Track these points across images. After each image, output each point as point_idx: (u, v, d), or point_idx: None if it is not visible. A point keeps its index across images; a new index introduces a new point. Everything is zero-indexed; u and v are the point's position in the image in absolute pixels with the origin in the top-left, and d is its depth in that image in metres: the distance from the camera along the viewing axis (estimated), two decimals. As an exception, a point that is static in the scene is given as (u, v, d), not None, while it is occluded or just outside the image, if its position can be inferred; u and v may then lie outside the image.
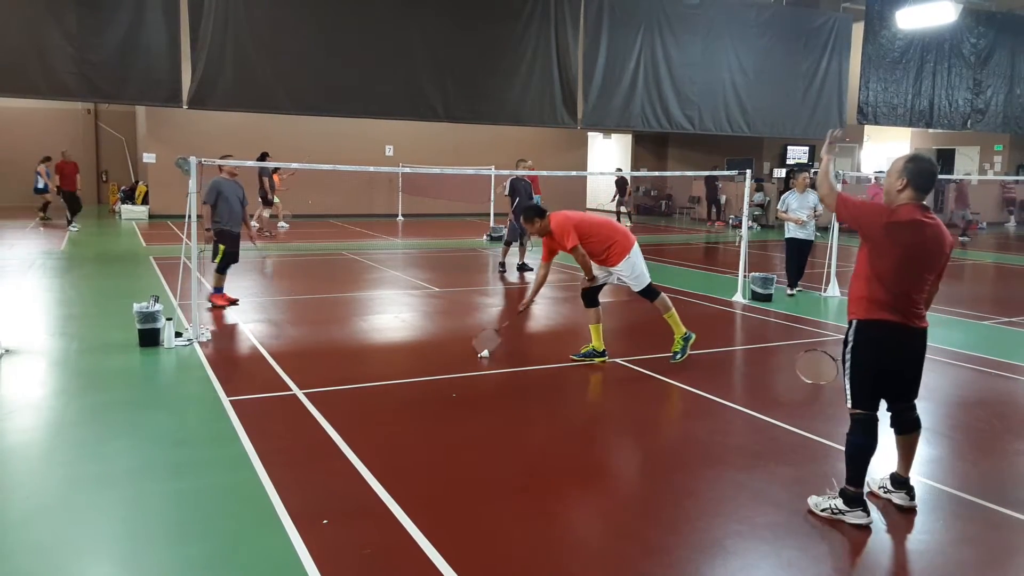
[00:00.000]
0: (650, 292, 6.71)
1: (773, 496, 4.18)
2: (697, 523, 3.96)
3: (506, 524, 3.88)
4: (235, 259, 9.15)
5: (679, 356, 6.77)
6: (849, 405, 3.88)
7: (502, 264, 12.58)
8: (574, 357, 6.95)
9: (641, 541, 3.74)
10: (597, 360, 6.88)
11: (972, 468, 4.77)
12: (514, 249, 12.59)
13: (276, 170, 17.06)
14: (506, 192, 12.68)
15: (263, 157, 15.62)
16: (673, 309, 6.74)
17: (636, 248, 6.69)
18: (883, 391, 3.90)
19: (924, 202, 3.81)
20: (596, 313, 6.86)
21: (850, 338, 3.87)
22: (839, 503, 3.87)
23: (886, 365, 3.84)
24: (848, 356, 3.87)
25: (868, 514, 3.83)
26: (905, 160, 3.81)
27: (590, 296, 6.85)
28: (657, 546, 3.69)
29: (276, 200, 17.71)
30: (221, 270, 9.06)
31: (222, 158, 8.58)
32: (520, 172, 12.26)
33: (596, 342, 6.91)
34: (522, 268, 12.55)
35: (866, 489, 4.06)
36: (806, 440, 5.09)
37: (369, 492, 4.14)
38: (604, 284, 6.93)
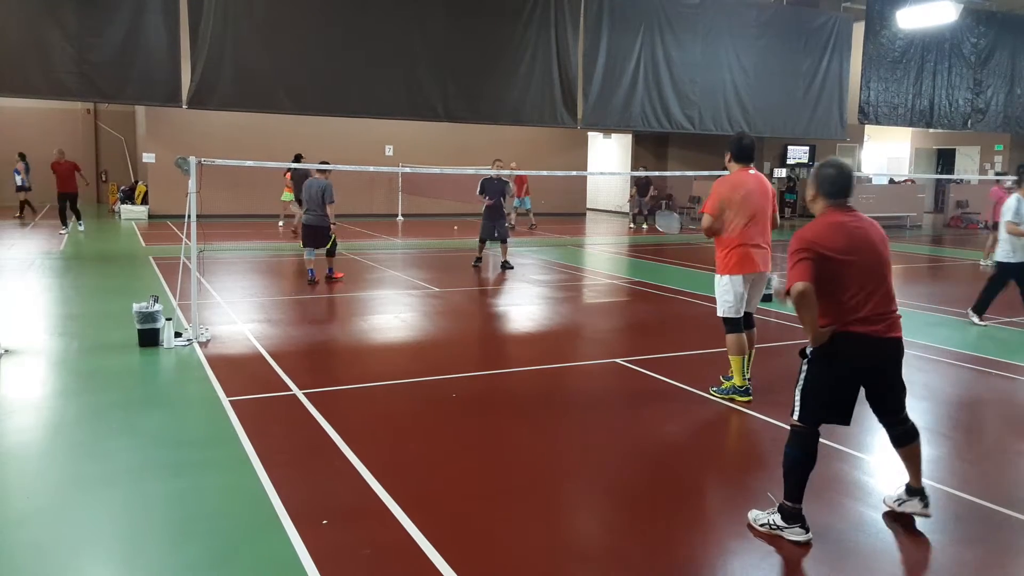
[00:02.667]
0: (724, 322, 5.87)
1: (773, 496, 4.17)
2: (697, 523, 3.96)
3: (505, 524, 3.88)
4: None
5: (716, 391, 5.98)
6: (795, 418, 3.73)
7: (504, 263, 12.71)
8: (713, 392, 6.00)
9: (641, 541, 3.74)
10: (741, 399, 5.80)
11: (972, 468, 4.77)
12: (497, 247, 12.91)
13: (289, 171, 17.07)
14: (478, 191, 12.89)
15: (298, 158, 15.73)
16: (740, 357, 5.79)
17: (737, 278, 5.71)
18: (841, 409, 3.73)
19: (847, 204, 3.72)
20: (740, 340, 5.78)
21: (807, 351, 3.72)
22: (777, 519, 3.73)
23: (845, 380, 3.69)
24: (804, 367, 3.74)
25: (807, 531, 3.67)
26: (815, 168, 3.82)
27: (734, 321, 5.79)
28: (657, 546, 3.69)
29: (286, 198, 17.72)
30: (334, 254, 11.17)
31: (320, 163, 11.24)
32: (494, 172, 12.62)
33: (737, 377, 5.86)
34: (488, 267, 12.88)
35: (883, 508, 4.00)
36: (806, 440, 5.08)
37: (369, 492, 4.13)
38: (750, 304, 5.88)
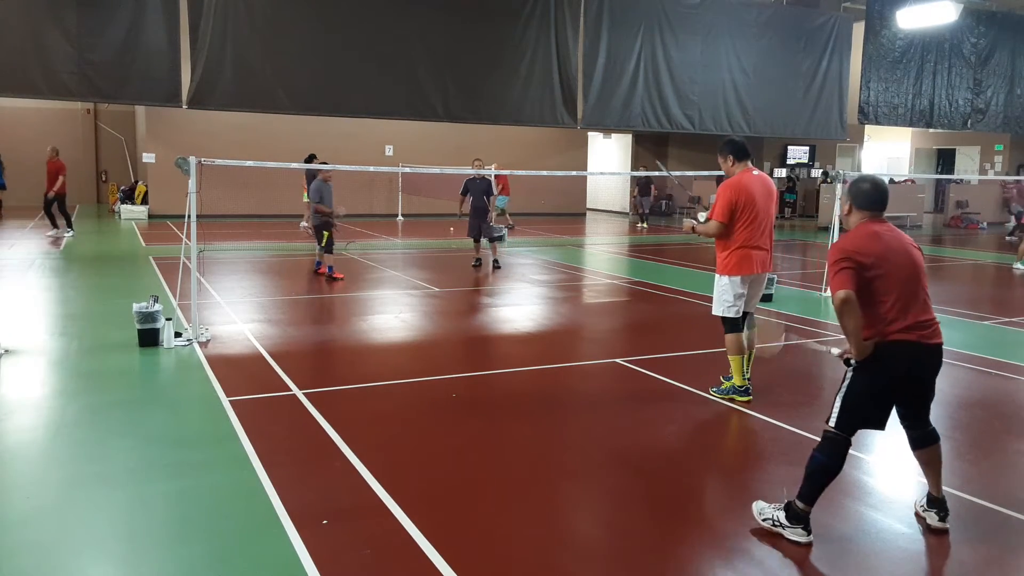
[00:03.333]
0: (723, 322, 5.87)
1: (773, 496, 4.17)
2: (697, 523, 3.96)
3: (506, 524, 3.88)
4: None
5: (715, 391, 5.99)
6: (831, 424, 3.71)
7: (494, 261, 12.91)
8: (713, 392, 6.02)
9: (641, 541, 3.74)
10: (740, 399, 5.83)
11: (972, 468, 4.77)
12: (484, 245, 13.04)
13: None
14: (461, 191, 12.98)
15: (311, 159, 15.76)
16: (739, 356, 5.78)
17: (736, 279, 5.72)
18: (879, 416, 3.75)
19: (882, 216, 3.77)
20: (739, 340, 5.77)
21: (852, 359, 3.70)
22: (781, 516, 3.72)
23: (888, 388, 3.70)
24: (849, 375, 3.72)
25: (809, 533, 3.67)
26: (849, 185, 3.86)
27: (733, 321, 5.78)
28: (657, 546, 3.69)
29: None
30: (331, 251, 11.46)
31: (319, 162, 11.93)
32: (475, 171, 12.73)
33: (736, 376, 5.85)
34: (486, 265, 12.95)
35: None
36: (806, 440, 5.07)
37: (369, 492, 4.14)
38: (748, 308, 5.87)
